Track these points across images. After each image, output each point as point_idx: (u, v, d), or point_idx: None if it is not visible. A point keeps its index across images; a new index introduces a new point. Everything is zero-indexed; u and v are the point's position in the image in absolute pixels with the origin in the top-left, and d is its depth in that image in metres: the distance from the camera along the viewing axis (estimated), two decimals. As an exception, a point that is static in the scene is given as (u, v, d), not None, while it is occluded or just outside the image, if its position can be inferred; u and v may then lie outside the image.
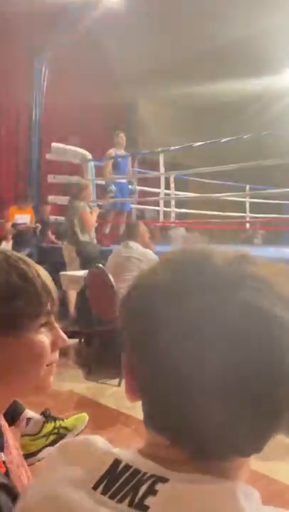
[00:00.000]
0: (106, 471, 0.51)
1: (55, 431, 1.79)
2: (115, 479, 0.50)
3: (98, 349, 4.39)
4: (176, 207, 7.72)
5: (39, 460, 1.72)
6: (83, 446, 0.56)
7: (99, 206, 6.68)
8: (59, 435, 1.80)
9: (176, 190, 7.71)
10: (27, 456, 1.65)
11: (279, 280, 0.48)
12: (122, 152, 7.03)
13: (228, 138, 6.10)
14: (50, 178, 7.64)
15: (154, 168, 7.62)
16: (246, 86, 9.22)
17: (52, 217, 8.08)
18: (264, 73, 8.85)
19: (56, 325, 0.84)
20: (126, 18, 7.80)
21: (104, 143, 7.42)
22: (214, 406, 0.46)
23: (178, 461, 0.49)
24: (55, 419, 1.83)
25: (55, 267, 5.17)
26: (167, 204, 7.54)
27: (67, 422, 1.86)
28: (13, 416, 1.71)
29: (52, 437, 1.78)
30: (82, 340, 4.74)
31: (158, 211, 7.74)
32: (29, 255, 1.00)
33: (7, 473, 0.75)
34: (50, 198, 7.77)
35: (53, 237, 8.19)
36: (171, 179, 7.51)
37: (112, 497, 0.49)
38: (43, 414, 1.82)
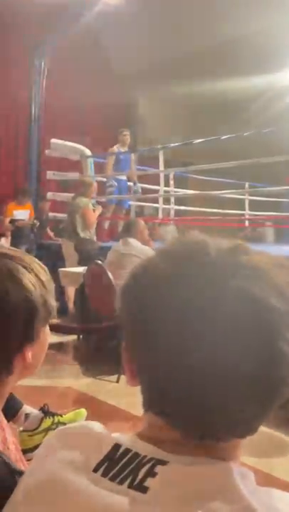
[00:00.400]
0: (106, 455, 0.53)
1: (54, 426, 1.79)
2: (115, 462, 0.52)
3: (97, 345, 4.40)
4: (176, 204, 7.73)
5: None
6: (82, 431, 0.58)
7: (98, 202, 6.68)
8: (57, 431, 1.80)
9: (175, 187, 7.71)
10: (25, 451, 1.64)
11: (271, 269, 0.50)
12: (125, 150, 7.03)
13: (228, 135, 6.10)
14: (50, 175, 7.63)
15: (154, 165, 7.61)
16: (247, 84, 9.20)
17: (51, 214, 8.06)
18: (266, 71, 8.83)
19: None
20: (126, 16, 7.78)
21: (104, 140, 7.41)
22: (211, 389, 0.48)
23: (176, 443, 0.51)
24: (53, 414, 1.83)
25: (54, 264, 5.17)
26: (166, 201, 7.53)
27: (66, 418, 1.86)
28: (11, 411, 1.71)
29: (50, 433, 1.78)
30: (81, 336, 4.74)
31: (157, 208, 7.73)
32: (27, 251, 1.02)
33: None
34: (49, 194, 7.76)
35: (51, 234, 8.19)
36: (171, 176, 7.51)
37: (112, 479, 0.51)
38: (41, 409, 1.82)
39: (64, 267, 5.49)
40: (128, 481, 0.50)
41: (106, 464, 0.52)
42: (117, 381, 3.66)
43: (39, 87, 8.99)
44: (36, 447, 1.74)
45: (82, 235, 5.66)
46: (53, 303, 0.83)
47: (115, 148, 6.95)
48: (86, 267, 4.39)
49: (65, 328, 4.52)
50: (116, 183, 6.87)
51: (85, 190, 5.89)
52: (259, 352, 0.47)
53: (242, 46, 8.31)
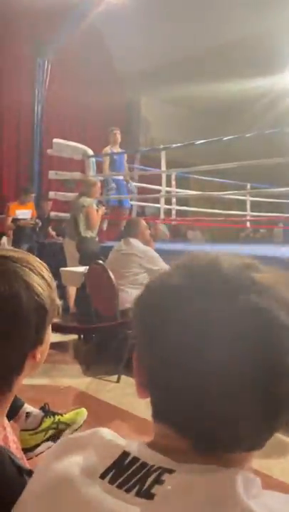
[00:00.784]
0: (114, 462, 0.54)
1: (54, 426, 1.80)
2: (123, 470, 0.53)
3: (97, 345, 4.40)
4: (178, 205, 7.73)
5: (37, 455, 1.73)
6: (92, 437, 0.58)
7: (100, 203, 6.68)
8: (58, 430, 1.81)
9: (177, 188, 7.71)
10: (26, 450, 1.65)
11: (281, 286, 0.52)
12: (117, 149, 6.97)
13: (231, 136, 6.10)
14: (52, 175, 7.63)
15: (156, 165, 7.61)
16: (251, 85, 9.19)
17: (52, 213, 8.07)
18: (269, 72, 8.82)
19: None
20: (129, 16, 7.79)
21: (106, 140, 7.39)
22: (220, 402, 0.49)
23: (185, 453, 0.52)
24: (54, 414, 1.83)
25: (55, 263, 5.17)
26: (168, 202, 7.54)
27: (66, 417, 1.86)
28: (12, 410, 1.71)
29: (51, 432, 1.78)
30: (82, 336, 4.75)
31: (159, 208, 7.73)
32: (28, 251, 1.02)
33: None
34: (51, 193, 7.77)
35: (53, 233, 8.20)
36: (173, 177, 7.50)
37: (119, 487, 0.52)
38: (42, 409, 1.82)
39: (65, 266, 5.49)
40: (135, 489, 0.51)
41: (113, 471, 0.53)
42: (118, 381, 3.66)
43: (42, 86, 9.00)
44: (37, 446, 1.75)
45: (84, 234, 5.67)
46: (58, 301, 0.84)
47: (108, 149, 6.88)
48: (87, 267, 4.40)
49: (66, 328, 4.53)
50: (115, 185, 6.84)
51: (88, 190, 5.89)
52: (267, 367, 0.48)
53: (246, 47, 8.30)
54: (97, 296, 4.17)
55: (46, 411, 1.83)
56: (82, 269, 4.69)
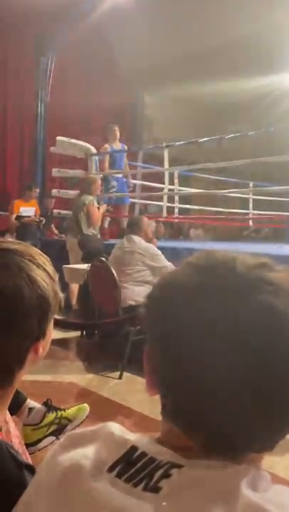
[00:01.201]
0: (121, 456, 0.54)
1: (57, 421, 1.81)
2: (131, 465, 0.53)
3: (100, 342, 4.42)
4: (180, 203, 7.72)
5: (40, 449, 1.75)
6: (100, 431, 0.59)
7: (101, 200, 6.68)
8: (60, 425, 1.82)
9: (180, 186, 7.70)
10: (28, 445, 1.66)
11: None
12: (117, 145, 6.93)
13: (233, 134, 6.09)
14: (55, 172, 7.64)
15: (159, 164, 7.60)
16: (254, 83, 9.17)
17: (55, 211, 8.08)
18: (274, 71, 8.80)
19: None
20: (132, 15, 7.77)
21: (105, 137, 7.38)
22: (232, 403, 0.49)
23: (194, 451, 0.52)
24: (56, 409, 1.84)
25: (58, 260, 5.17)
26: (171, 200, 7.53)
27: (69, 413, 1.87)
28: (15, 405, 1.73)
29: (53, 427, 1.80)
30: (84, 332, 4.76)
31: (162, 206, 7.74)
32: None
33: None
34: (54, 191, 7.78)
35: (56, 231, 8.21)
36: (175, 175, 7.50)
37: (126, 481, 0.52)
38: (44, 404, 1.84)
39: (68, 263, 5.51)
40: (143, 483, 0.51)
41: (121, 465, 0.53)
42: (120, 377, 3.68)
43: (45, 84, 9.00)
44: (39, 441, 1.77)
45: (86, 231, 5.68)
46: (61, 294, 0.84)
47: (107, 147, 6.84)
48: (90, 264, 4.41)
49: (69, 324, 4.54)
50: (116, 183, 6.83)
51: (89, 188, 5.90)
52: (280, 367, 0.48)
53: (249, 46, 8.28)
54: (100, 293, 4.18)
55: (49, 406, 1.84)
56: (85, 266, 4.70)
